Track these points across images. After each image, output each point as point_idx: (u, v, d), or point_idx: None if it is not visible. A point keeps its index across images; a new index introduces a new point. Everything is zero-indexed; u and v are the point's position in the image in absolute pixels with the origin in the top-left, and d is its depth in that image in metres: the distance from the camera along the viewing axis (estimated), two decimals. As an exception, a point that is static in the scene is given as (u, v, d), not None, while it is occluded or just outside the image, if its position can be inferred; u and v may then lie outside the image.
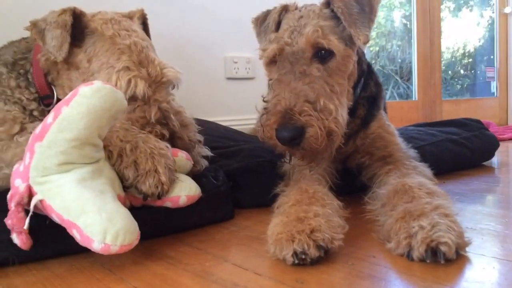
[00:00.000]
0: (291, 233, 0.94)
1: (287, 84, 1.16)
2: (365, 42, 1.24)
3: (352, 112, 1.39)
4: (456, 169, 1.99)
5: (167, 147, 1.16)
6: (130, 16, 1.45)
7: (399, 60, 4.53)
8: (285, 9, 1.40)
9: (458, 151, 1.98)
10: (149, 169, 1.09)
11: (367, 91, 1.48)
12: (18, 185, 0.99)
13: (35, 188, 0.98)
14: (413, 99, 4.24)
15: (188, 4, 2.63)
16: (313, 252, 0.92)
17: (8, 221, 0.95)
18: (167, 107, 1.28)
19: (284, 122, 1.10)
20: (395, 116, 3.89)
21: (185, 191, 1.17)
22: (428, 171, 1.37)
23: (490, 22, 5.03)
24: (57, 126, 0.96)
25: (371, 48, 4.36)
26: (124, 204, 1.07)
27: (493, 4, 4.89)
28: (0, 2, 1.99)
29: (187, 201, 1.18)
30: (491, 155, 2.18)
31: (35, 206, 0.97)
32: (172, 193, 1.15)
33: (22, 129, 1.29)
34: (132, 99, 1.26)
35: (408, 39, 4.39)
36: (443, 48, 4.43)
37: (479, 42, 5.12)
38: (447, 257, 0.89)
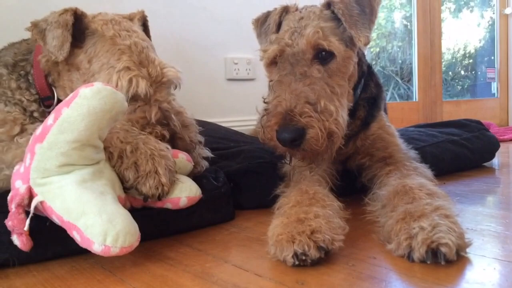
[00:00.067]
0: (291, 234, 0.94)
1: (288, 85, 1.16)
2: (366, 44, 1.24)
3: (352, 113, 1.39)
4: (456, 170, 1.99)
5: (168, 148, 1.16)
6: (130, 18, 1.45)
7: (400, 61, 4.53)
8: (285, 10, 1.40)
9: (458, 152, 1.98)
10: (149, 171, 1.09)
11: (368, 92, 1.48)
12: (18, 186, 0.99)
13: (35, 190, 0.98)
14: (414, 100, 4.24)
15: (189, 5, 2.63)
16: (314, 253, 0.92)
17: (9, 223, 0.95)
18: (167, 107, 1.28)
19: (285, 124, 1.10)
20: (396, 117, 3.90)
21: (186, 192, 1.17)
22: (428, 172, 1.37)
23: (490, 23, 5.03)
24: (57, 128, 0.96)
25: (372, 49, 4.36)
26: (125, 206, 1.06)
27: (494, 5, 4.90)
28: (1, 3, 1.99)
29: (187, 202, 1.18)
30: (492, 156, 2.18)
31: (36, 208, 0.97)
32: (172, 194, 1.15)
33: (23, 130, 1.29)
34: (133, 99, 1.26)
35: (409, 40, 4.39)
36: (443, 49, 4.43)
37: (480, 43, 5.12)
38: (447, 258, 0.89)
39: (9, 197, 0.99)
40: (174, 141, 1.27)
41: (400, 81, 4.49)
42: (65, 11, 1.25)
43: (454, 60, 5.05)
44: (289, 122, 1.10)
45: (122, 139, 1.12)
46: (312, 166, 1.37)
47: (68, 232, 0.96)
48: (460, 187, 1.70)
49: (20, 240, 0.96)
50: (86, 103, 0.95)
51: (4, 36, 1.52)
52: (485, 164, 2.18)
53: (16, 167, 1.04)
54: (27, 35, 1.34)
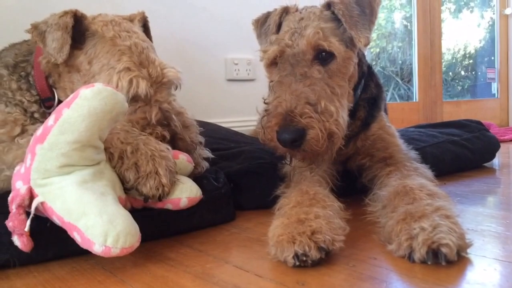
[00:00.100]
0: (292, 235, 0.94)
1: (288, 86, 1.16)
2: (366, 44, 1.24)
3: (352, 113, 1.39)
4: (457, 171, 1.99)
5: (168, 149, 1.16)
6: (131, 19, 1.45)
7: (400, 62, 4.53)
8: (285, 11, 1.40)
9: (459, 153, 1.98)
10: (150, 171, 1.09)
11: (368, 93, 1.48)
12: (19, 187, 0.99)
13: (36, 190, 0.98)
14: (414, 100, 4.24)
15: (190, 6, 2.63)
16: (314, 254, 0.92)
17: (9, 223, 0.95)
18: (168, 107, 1.28)
19: (285, 124, 1.10)
20: (396, 117, 3.90)
21: (186, 193, 1.17)
22: (429, 173, 1.37)
23: (490, 23, 5.03)
24: (58, 128, 0.96)
25: (372, 50, 4.36)
26: (125, 206, 1.06)
27: (494, 5, 4.90)
28: (1, 4, 1.99)
29: (188, 203, 1.18)
30: (492, 156, 2.18)
31: (36, 208, 0.97)
32: (173, 195, 1.15)
33: (23, 131, 1.30)
34: (134, 99, 1.26)
35: (409, 41, 4.39)
36: (443, 49, 4.43)
37: (480, 43, 5.12)
38: (448, 259, 0.89)
39: (9, 198, 0.99)
40: (175, 141, 1.27)
41: (400, 81, 4.49)
42: (65, 13, 1.25)
43: (454, 61, 5.05)
44: (289, 123, 1.10)
45: (122, 140, 1.12)
46: (312, 167, 1.37)
47: (69, 233, 0.96)
48: (461, 188, 1.70)
49: (20, 241, 0.96)
50: (86, 104, 0.95)
51: (4, 37, 1.52)
52: (485, 164, 2.18)
53: (17, 168, 1.04)
54: (28, 36, 1.34)
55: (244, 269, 0.97)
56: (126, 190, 1.12)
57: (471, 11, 5.07)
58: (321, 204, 1.11)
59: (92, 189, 0.98)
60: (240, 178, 1.53)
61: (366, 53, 1.52)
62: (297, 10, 1.38)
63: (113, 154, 1.10)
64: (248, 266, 0.99)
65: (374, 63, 4.37)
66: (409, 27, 4.40)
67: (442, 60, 4.38)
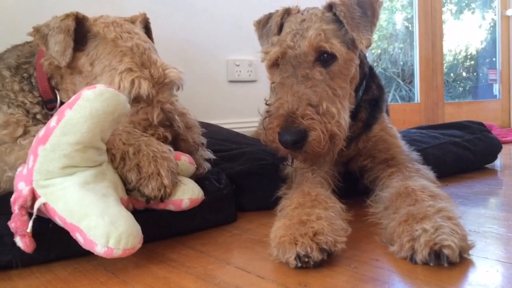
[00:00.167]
0: (294, 236, 0.94)
1: (290, 87, 1.16)
2: (368, 46, 1.24)
3: (354, 115, 1.39)
4: (458, 172, 1.99)
5: (170, 150, 1.16)
6: (132, 21, 1.45)
7: (401, 63, 4.53)
8: (287, 12, 1.40)
9: (460, 154, 1.97)
10: (151, 172, 1.09)
11: (369, 94, 1.48)
12: (21, 188, 0.99)
13: (38, 191, 0.98)
14: (415, 101, 4.24)
15: (191, 7, 2.63)
16: (316, 255, 0.92)
17: (12, 224, 0.95)
18: (170, 108, 1.28)
19: (287, 126, 1.10)
20: (397, 118, 3.89)
21: (188, 194, 1.17)
22: (430, 174, 1.37)
23: (492, 24, 5.03)
24: (60, 130, 0.96)
25: (373, 51, 4.36)
26: (127, 207, 1.07)
27: (495, 6, 4.90)
28: (1, 5, 1.99)
29: (189, 204, 1.18)
30: (494, 157, 2.18)
31: (39, 209, 0.98)
32: (174, 196, 1.15)
33: (26, 132, 1.30)
34: (136, 100, 1.26)
35: (410, 42, 4.39)
36: (445, 51, 4.43)
37: (481, 44, 5.12)
38: (450, 260, 0.89)
39: (12, 199, 0.99)
40: (177, 142, 1.27)
41: (401, 82, 4.49)
42: (67, 16, 1.26)
43: (455, 62, 5.05)
44: (291, 124, 1.10)
45: (124, 141, 1.12)
46: (314, 168, 1.37)
47: (71, 234, 0.96)
48: (463, 189, 1.69)
49: (23, 242, 0.96)
50: (88, 105, 0.96)
51: (4, 37, 1.52)
52: (487, 166, 2.18)
53: (19, 169, 1.04)
54: (29, 38, 1.35)
55: (246, 270, 0.97)
56: (128, 191, 1.12)
57: (472, 12, 5.07)
58: (323, 205, 1.11)
59: (94, 190, 0.98)
60: (242, 179, 1.53)
61: (367, 55, 1.52)
62: (298, 11, 1.38)
63: (115, 155, 1.10)
64: (250, 267, 0.99)
65: (375, 64, 4.37)
66: (410, 28, 4.40)
67: (444, 61, 4.38)
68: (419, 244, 0.92)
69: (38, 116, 1.37)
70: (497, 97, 4.89)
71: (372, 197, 1.29)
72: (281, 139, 1.12)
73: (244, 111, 2.85)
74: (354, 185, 1.51)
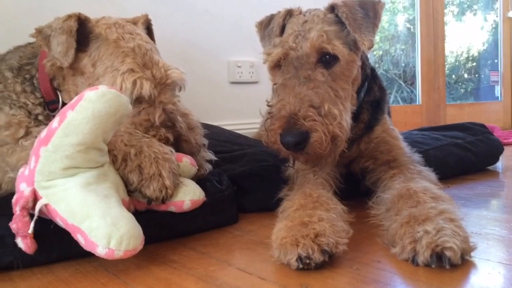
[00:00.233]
0: (295, 238, 0.94)
1: (292, 89, 1.16)
2: (370, 47, 1.24)
3: (356, 116, 1.39)
4: (460, 174, 1.98)
5: (171, 151, 1.16)
6: (134, 22, 1.46)
7: (403, 64, 4.52)
8: (289, 13, 1.40)
9: (462, 156, 1.97)
10: (153, 174, 1.09)
11: (371, 96, 1.48)
12: (23, 189, 0.99)
13: (40, 192, 0.98)
14: (417, 103, 4.24)
15: (193, 8, 2.64)
16: (318, 257, 0.92)
17: (13, 225, 0.96)
18: (173, 108, 1.28)
19: (289, 127, 1.10)
20: (399, 120, 3.89)
21: (189, 195, 1.17)
22: (432, 176, 1.37)
23: (494, 26, 5.03)
24: (62, 131, 0.96)
25: (375, 52, 4.36)
26: (129, 209, 1.07)
27: (497, 8, 4.90)
28: (3, 6, 2.00)
29: (191, 205, 1.18)
30: (496, 159, 2.17)
31: (40, 210, 0.98)
32: (176, 197, 1.15)
33: (27, 133, 1.30)
34: (138, 101, 1.26)
35: (412, 43, 4.39)
36: (446, 52, 4.42)
37: (483, 46, 5.12)
38: (452, 262, 0.89)
39: (13, 200, 0.99)
40: (180, 143, 1.27)
41: (403, 84, 4.48)
42: (69, 17, 1.26)
43: (457, 63, 5.05)
44: (293, 126, 1.10)
45: (126, 142, 1.12)
46: (315, 170, 1.37)
47: (72, 235, 0.97)
48: (464, 191, 1.69)
49: (24, 243, 0.96)
50: (91, 106, 0.96)
51: (5, 38, 1.53)
52: (489, 167, 2.18)
53: (21, 170, 1.05)
54: (32, 38, 1.35)
55: (247, 272, 0.97)
56: (130, 192, 1.12)
57: (474, 14, 5.07)
58: (324, 207, 1.10)
59: (96, 192, 0.98)
60: (243, 181, 1.53)
61: (369, 56, 1.52)
62: (300, 12, 1.38)
63: (116, 157, 1.10)
64: (251, 269, 0.99)
65: (377, 65, 4.37)
66: (412, 29, 4.40)
67: (445, 63, 4.37)
68: (421, 246, 0.92)
69: (40, 117, 1.37)
70: (499, 98, 4.88)
71: (373, 199, 1.29)
72: (283, 140, 1.12)
73: (246, 113, 2.85)
74: (355, 187, 1.51)
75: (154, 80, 1.28)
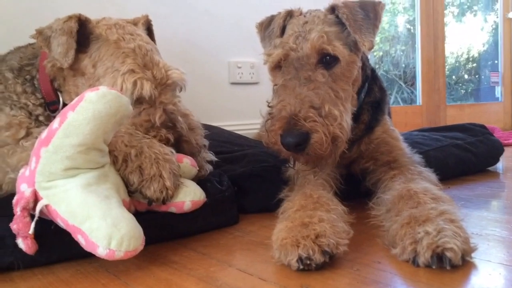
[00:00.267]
0: (296, 238, 0.94)
1: (292, 89, 1.16)
2: (370, 48, 1.24)
3: (356, 117, 1.39)
4: (460, 174, 1.98)
5: (172, 152, 1.16)
6: (135, 22, 1.46)
7: (403, 65, 4.53)
8: (289, 14, 1.40)
9: (462, 156, 1.97)
10: (153, 174, 1.09)
11: (371, 96, 1.48)
12: (23, 189, 0.99)
13: (40, 193, 0.98)
14: (417, 104, 4.24)
15: (193, 9, 2.64)
16: (318, 258, 0.92)
17: (14, 226, 0.96)
18: (173, 109, 1.28)
19: (289, 128, 1.10)
20: (399, 121, 3.89)
21: (190, 196, 1.17)
22: (433, 176, 1.37)
23: (494, 27, 5.03)
24: (63, 131, 0.96)
25: (375, 53, 4.36)
26: (129, 209, 1.07)
27: (497, 9, 4.90)
28: (3, 6, 2.00)
29: (191, 206, 1.18)
30: (496, 160, 2.17)
31: (41, 211, 0.98)
32: (176, 198, 1.15)
33: (28, 134, 1.30)
34: (138, 101, 1.26)
35: (412, 44, 4.39)
36: (447, 53, 4.43)
37: (483, 47, 5.12)
38: (453, 263, 0.89)
39: (14, 201, 0.99)
40: (180, 144, 1.27)
41: (403, 85, 4.49)
42: (69, 18, 1.26)
43: (457, 64, 5.05)
44: (293, 127, 1.10)
45: (126, 143, 1.12)
46: (316, 170, 1.37)
47: (73, 235, 0.97)
48: (465, 192, 1.69)
49: (25, 244, 0.96)
50: (91, 107, 0.96)
51: (5, 38, 1.53)
52: (489, 168, 2.18)
53: (22, 171, 1.05)
54: (32, 40, 1.35)
55: (247, 273, 0.97)
56: (130, 193, 1.12)
57: (475, 15, 5.07)
58: (325, 207, 1.10)
59: (97, 192, 0.98)
60: (244, 181, 1.53)
61: (369, 57, 1.53)
62: (301, 13, 1.38)
63: (117, 157, 1.10)
64: (252, 270, 0.99)
65: (377, 66, 4.37)
66: (412, 30, 4.40)
67: (446, 64, 4.37)
68: (421, 247, 0.92)
69: (41, 118, 1.37)
70: (499, 99, 4.88)
71: (374, 200, 1.29)
72: (283, 141, 1.12)
73: (246, 113, 2.85)
74: (356, 187, 1.51)
75: (155, 80, 1.28)
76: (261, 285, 0.90)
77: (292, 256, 0.93)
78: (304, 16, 1.35)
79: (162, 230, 1.21)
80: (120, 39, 1.29)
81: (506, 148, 2.44)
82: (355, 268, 0.96)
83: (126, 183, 1.11)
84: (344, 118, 1.17)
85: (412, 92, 4.40)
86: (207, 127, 1.53)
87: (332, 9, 1.32)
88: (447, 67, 4.51)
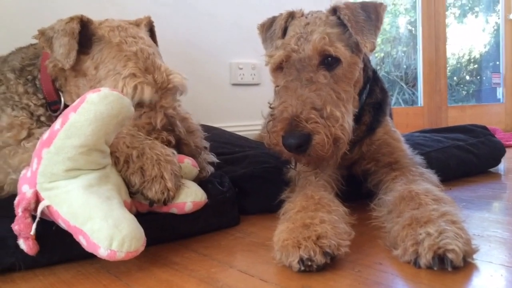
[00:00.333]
0: (297, 240, 0.94)
1: (294, 91, 1.16)
2: (372, 50, 1.25)
3: (357, 118, 1.39)
4: (462, 176, 1.98)
5: (173, 153, 1.17)
6: (137, 24, 1.46)
7: (404, 66, 4.52)
8: (291, 15, 1.40)
9: (464, 158, 1.97)
10: (155, 175, 1.09)
11: (373, 98, 1.48)
12: (25, 190, 1.00)
13: (42, 194, 0.98)
14: (419, 105, 4.23)
15: (194, 10, 2.64)
16: (319, 259, 0.92)
17: (15, 227, 0.96)
18: (173, 113, 1.29)
19: (291, 129, 1.10)
20: (401, 122, 3.89)
21: (191, 197, 1.18)
22: (434, 178, 1.37)
23: (495, 28, 5.03)
24: (64, 133, 0.96)
25: (376, 54, 4.36)
26: (130, 210, 1.07)
27: (499, 10, 4.89)
28: (3, 7, 2.00)
29: (193, 207, 1.18)
30: (498, 161, 2.17)
31: (42, 212, 0.98)
32: (178, 199, 1.15)
33: (30, 135, 1.30)
34: (139, 105, 1.26)
35: (413, 45, 4.39)
36: (448, 54, 4.42)
37: (485, 48, 5.11)
38: (454, 265, 0.89)
39: (15, 201, 0.99)
40: (180, 146, 1.27)
41: (404, 86, 4.48)
42: (71, 19, 1.26)
43: (459, 65, 5.05)
44: (295, 128, 1.10)
45: (128, 144, 1.12)
46: (317, 172, 1.36)
47: (74, 236, 0.97)
48: (466, 193, 1.69)
49: (26, 244, 0.96)
50: (93, 108, 0.96)
51: (6, 38, 1.53)
52: (490, 169, 2.17)
53: (23, 172, 1.05)
54: (34, 40, 1.35)
55: (249, 274, 0.97)
56: (132, 194, 1.12)
57: (476, 16, 5.07)
58: (326, 209, 1.10)
59: (98, 193, 0.98)
60: (245, 183, 1.53)
61: (371, 58, 1.53)
62: (302, 15, 1.38)
63: (119, 158, 1.11)
64: (253, 271, 0.99)
65: (378, 67, 4.37)
66: (413, 31, 4.40)
67: (447, 65, 4.37)
68: (423, 248, 0.92)
69: (42, 118, 1.37)
70: (501, 100, 4.88)
71: (375, 201, 1.28)
72: (285, 142, 1.12)
73: (247, 114, 2.85)
74: (357, 189, 1.51)
75: (156, 84, 1.28)
76: (262, 286, 0.90)
77: (293, 257, 0.93)
78: (306, 17, 1.35)
79: (163, 231, 1.22)
80: (122, 42, 1.29)
81: (507, 149, 2.43)
82: (357, 270, 0.96)
83: (128, 184, 1.11)
84: (345, 119, 1.17)
85: (414, 93, 4.40)
86: (208, 128, 1.53)
87: (334, 11, 1.32)
88: (448, 68, 4.51)
